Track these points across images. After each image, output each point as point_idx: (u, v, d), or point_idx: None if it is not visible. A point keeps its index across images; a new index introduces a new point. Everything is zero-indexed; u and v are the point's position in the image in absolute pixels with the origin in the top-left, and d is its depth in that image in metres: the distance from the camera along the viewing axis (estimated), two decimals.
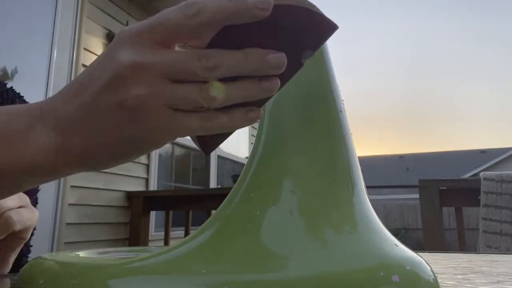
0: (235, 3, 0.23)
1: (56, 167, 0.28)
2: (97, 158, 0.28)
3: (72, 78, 2.53)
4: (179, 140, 3.59)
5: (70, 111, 0.27)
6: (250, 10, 0.23)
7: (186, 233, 2.44)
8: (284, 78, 0.25)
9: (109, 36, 2.83)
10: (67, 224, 2.25)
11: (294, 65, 0.25)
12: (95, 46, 2.73)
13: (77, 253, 0.37)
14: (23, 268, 0.32)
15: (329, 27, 0.25)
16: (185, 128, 0.25)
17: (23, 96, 0.57)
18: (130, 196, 2.66)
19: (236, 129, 0.27)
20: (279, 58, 0.24)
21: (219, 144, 0.30)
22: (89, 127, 0.26)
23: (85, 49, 2.63)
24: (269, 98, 0.27)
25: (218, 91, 0.24)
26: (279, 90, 0.26)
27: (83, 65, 2.61)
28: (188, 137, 0.29)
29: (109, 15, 2.87)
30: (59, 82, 2.46)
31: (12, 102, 0.54)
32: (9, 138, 0.28)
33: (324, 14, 0.25)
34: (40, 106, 0.28)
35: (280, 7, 0.24)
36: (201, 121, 0.25)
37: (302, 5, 0.24)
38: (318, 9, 0.25)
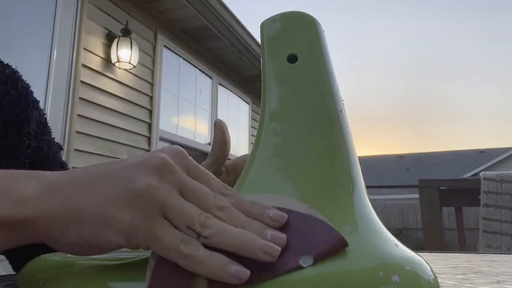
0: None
1: (24, 224, 0.25)
2: (65, 225, 0.25)
3: (72, 78, 2.53)
4: (179, 140, 3.59)
5: (78, 174, 0.27)
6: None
7: None
8: (272, 271, 0.23)
9: (109, 36, 2.83)
10: None
11: (288, 263, 0.23)
12: (95, 46, 2.73)
13: None
14: (22, 268, 0.32)
15: (337, 242, 0.24)
16: (160, 238, 0.24)
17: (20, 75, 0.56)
18: None
19: (209, 276, 0.23)
20: (276, 236, 0.25)
21: None
22: (84, 186, 0.26)
23: (85, 49, 2.63)
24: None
25: (216, 226, 0.24)
26: (261, 283, 0.23)
27: (83, 65, 2.61)
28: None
29: (109, 15, 2.86)
30: (59, 82, 2.46)
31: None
32: None
33: (334, 228, 0.25)
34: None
35: (294, 214, 0.26)
36: (181, 242, 0.23)
37: (312, 214, 0.26)
38: (329, 222, 0.25)
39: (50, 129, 0.57)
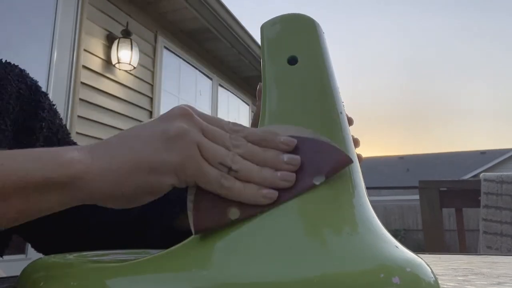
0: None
1: (73, 183, 0.27)
2: (115, 182, 0.28)
3: (72, 79, 2.53)
4: None
5: (111, 138, 0.30)
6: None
7: None
8: (293, 191, 0.28)
9: (109, 37, 2.83)
10: None
11: (305, 183, 0.28)
12: (95, 47, 2.73)
13: (77, 255, 0.37)
14: (23, 270, 0.32)
15: (343, 160, 0.29)
16: (206, 174, 0.28)
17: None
18: None
19: (246, 201, 0.27)
20: (292, 158, 0.29)
21: (215, 228, 0.27)
22: (123, 144, 0.29)
23: (85, 50, 2.63)
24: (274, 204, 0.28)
25: (240, 162, 0.28)
26: (286, 201, 0.27)
27: (83, 66, 2.61)
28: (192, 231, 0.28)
29: (109, 16, 2.87)
30: (59, 83, 2.47)
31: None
32: (43, 154, 0.29)
33: (339, 148, 0.29)
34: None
35: (302, 139, 0.29)
36: (221, 176, 0.28)
37: (318, 138, 0.30)
38: (333, 143, 0.29)
39: (60, 116, 0.60)
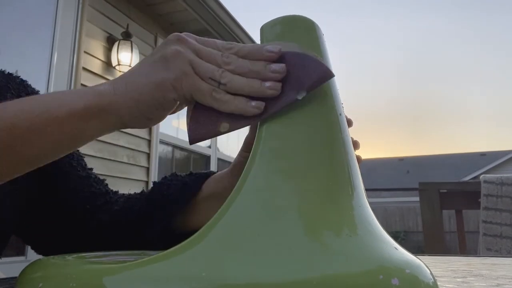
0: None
1: (106, 109, 0.34)
2: (133, 95, 0.34)
3: (72, 81, 2.54)
4: (179, 143, 3.59)
5: (125, 73, 0.36)
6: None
7: None
8: (279, 104, 0.30)
9: (110, 39, 2.84)
10: None
11: (289, 97, 0.30)
12: (96, 50, 2.74)
13: (76, 256, 0.37)
14: (22, 271, 0.32)
15: (323, 74, 0.30)
16: (200, 87, 0.31)
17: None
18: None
19: (236, 111, 0.30)
20: (277, 66, 0.31)
21: (207, 138, 0.31)
22: (133, 73, 0.35)
23: (85, 52, 2.64)
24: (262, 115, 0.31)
25: (229, 75, 0.31)
26: (273, 113, 0.30)
27: (83, 69, 2.61)
28: (188, 141, 0.31)
29: (110, 18, 2.87)
30: (59, 86, 2.47)
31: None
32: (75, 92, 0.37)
33: (322, 62, 0.31)
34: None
35: (287, 53, 0.31)
36: (212, 90, 0.31)
37: (305, 52, 0.31)
38: (319, 58, 0.31)
39: None
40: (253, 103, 0.30)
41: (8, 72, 0.58)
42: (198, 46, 0.33)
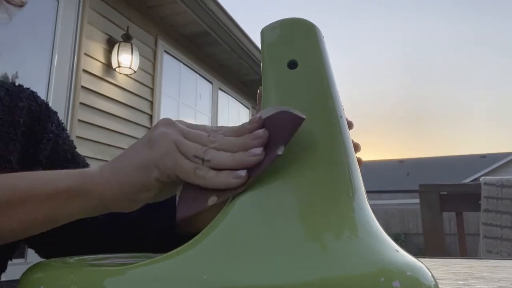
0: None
1: (89, 191, 0.35)
2: (119, 180, 0.34)
3: (73, 83, 2.54)
4: None
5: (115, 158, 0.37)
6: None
7: None
8: (261, 166, 0.30)
9: (110, 41, 2.84)
10: None
11: (271, 156, 0.30)
12: (96, 51, 2.74)
13: (77, 258, 0.37)
14: (23, 274, 0.32)
15: (296, 123, 0.31)
16: (183, 166, 0.32)
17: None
18: None
19: (219, 186, 0.31)
20: (257, 133, 0.32)
21: (194, 213, 0.31)
22: (121, 156, 0.36)
23: (85, 54, 2.64)
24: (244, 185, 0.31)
25: (213, 152, 0.32)
26: (258, 175, 0.30)
27: (84, 71, 2.61)
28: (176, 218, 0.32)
29: (110, 20, 2.88)
30: (59, 88, 2.47)
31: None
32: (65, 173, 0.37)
33: (292, 112, 0.31)
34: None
35: (268, 117, 0.32)
36: (195, 167, 0.32)
37: (278, 108, 0.32)
38: (289, 108, 0.31)
39: (68, 134, 0.64)
40: (238, 173, 0.31)
41: (19, 84, 0.61)
42: (185, 129, 0.34)
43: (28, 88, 0.61)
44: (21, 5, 0.52)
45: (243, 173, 0.30)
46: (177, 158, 0.32)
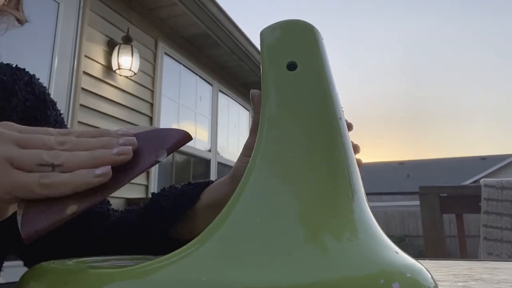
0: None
1: None
2: None
3: (73, 85, 2.54)
4: None
5: None
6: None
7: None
8: (138, 169, 0.28)
9: (110, 43, 2.84)
10: None
11: (148, 161, 0.29)
12: (96, 53, 2.74)
13: (76, 260, 0.37)
14: (22, 276, 0.32)
15: (182, 137, 0.31)
16: (20, 183, 0.26)
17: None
18: (130, 203, 2.66)
19: (77, 189, 0.26)
20: (127, 138, 0.29)
21: (51, 227, 0.26)
22: None
23: (86, 56, 2.64)
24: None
25: (65, 154, 0.28)
26: (131, 179, 0.28)
27: (84, 72, 2.62)
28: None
29: (110, 22, 2.88)
30: (59, 90, 2.47)
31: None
32: None
33: (179, 129, 0.31)
34: None
35: (143, 132, 0.31)
36: (39, 178, 0.26)
37: (160, 128, 0.32)
38: (172, 128, 0.31)
39: (67, 127, 0.62)
40: (97, 171, 0.26)
41: (16, 66, 0.58)
42: (19, 135, 0.28)
43: (26, 73, 0.58)
44: (21, 23, 0.51)
45: (105, 169, 0.26)
46: (12, 177, 0.26)
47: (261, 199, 0.29)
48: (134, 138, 0.29)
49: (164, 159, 0.29)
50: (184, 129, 0.31)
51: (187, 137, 0.31)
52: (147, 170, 0.31)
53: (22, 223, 0.26)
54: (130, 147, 0.28)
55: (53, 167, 0.26)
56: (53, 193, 0.26)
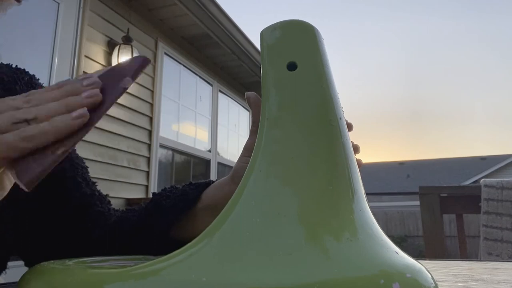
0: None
1: None
2: None
3: None
4: (179, 147, 3.59)
5: None
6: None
7: None
8: (108, 101, 0.30)
9: (110, 44, 2.84)
10: None
11: (116, 91, 0.30)
12: (96, 54, 2.75)
13: (76, 261, 0.37)
14: (22, 276, 0.32)
15: (142, 61, 0.32)
16: (5, 143, 0.27)
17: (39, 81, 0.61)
18: (130, 203, 2.66)
19: (60, 134, 0.27)
20: (90, 80, 0.30)
21: (44, 170, 0.27)
22: None
23: (86, 56, 2.64)
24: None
25: (35, 108, 0.29)
26: (104, 112, 0.30)
27: (84, 73, 2.62)
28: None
29: (110, 22, 2.88)
30: None
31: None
32: None
33: (137, 56, 0.33)
34: None
35: (103, 72, 0.32)
36: (20, 132, 0.27)
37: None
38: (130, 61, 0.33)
39: None
40: (74, 114, 0.28)
41: (16, 66, 0.58)
42: None
43: (26, 73, 0.58)
44: (19, 0, 0.50)
45: (81, 111, 0.28)
46: None
47: (261, 199, 0.29)
48: (97, 77, 0.30)
49: (131, 85, 0.31)
50: (140, 57, 0.33)
51: (147, 61, 0.33)
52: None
53: (19, 174, 0.27)
54: (97, 90, 0.29)
55: (28, 121, 0.27)
56: (37, 143, 0.27)
